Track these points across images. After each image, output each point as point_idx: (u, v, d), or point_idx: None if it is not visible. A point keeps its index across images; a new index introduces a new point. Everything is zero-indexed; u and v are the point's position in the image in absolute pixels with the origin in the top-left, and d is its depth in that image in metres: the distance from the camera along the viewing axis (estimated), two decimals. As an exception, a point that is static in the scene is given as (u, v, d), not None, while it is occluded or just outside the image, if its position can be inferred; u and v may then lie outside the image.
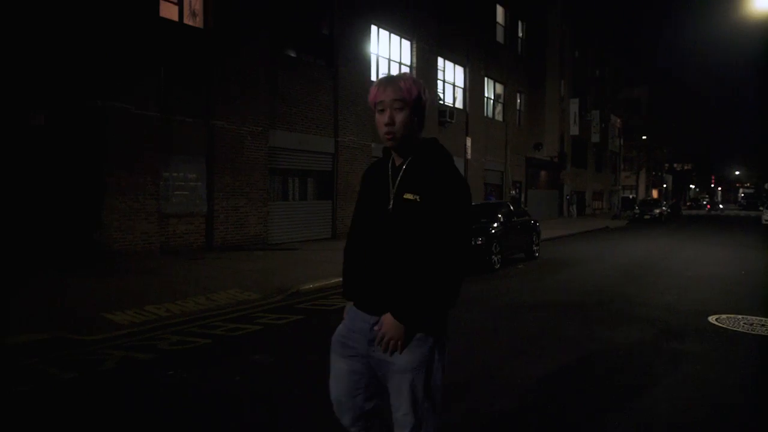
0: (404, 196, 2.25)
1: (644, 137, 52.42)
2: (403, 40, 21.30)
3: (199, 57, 13.40)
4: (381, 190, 2.34)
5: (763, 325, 6.82)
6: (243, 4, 14.36)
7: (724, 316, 7.30)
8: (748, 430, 3.91)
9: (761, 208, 43.09)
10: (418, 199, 2.21)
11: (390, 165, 2.37)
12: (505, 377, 4.87)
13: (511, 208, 13.73)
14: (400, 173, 2.30)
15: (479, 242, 11.28)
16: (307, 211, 16.96)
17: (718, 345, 5.94)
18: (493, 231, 11.78)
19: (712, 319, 7.14)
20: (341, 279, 2.53)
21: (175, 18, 13.22)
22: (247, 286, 9.23)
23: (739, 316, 7.28)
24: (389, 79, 2.29)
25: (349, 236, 2.52)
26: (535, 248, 13.97)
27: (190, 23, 13.60)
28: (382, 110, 2.28)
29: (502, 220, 12.49)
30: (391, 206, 2.28)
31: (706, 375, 4.94)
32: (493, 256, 11.53)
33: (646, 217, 34.59)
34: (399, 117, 2.25)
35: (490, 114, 28.69)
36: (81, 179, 11.44)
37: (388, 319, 2.19)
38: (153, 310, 7.44)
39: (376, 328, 2.25)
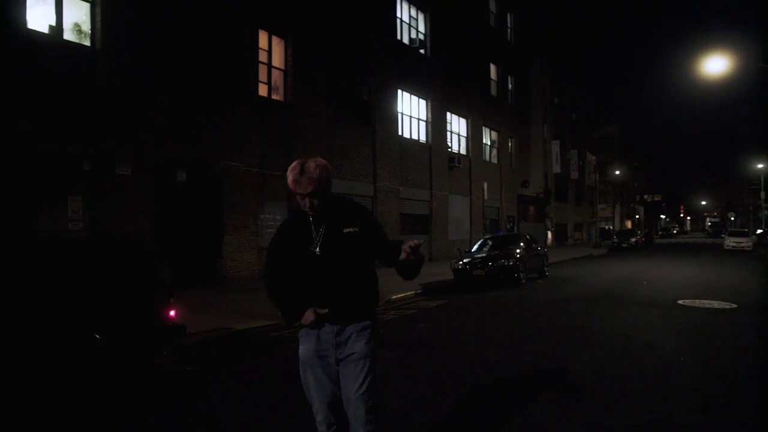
0: (345, 230, 2.84)
1: (617, 172, 57.55)
2: (420, 99, 25.56)
3: (281, 123, 17.29)
4: (306, 239, 2.87)
5: (710, 304, 10.87)
6: (308, 81, 18.41)
7: (687, 300, 11.43)
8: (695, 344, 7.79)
9: (723, 236, 48.09)
10: (357, 229, 2.86)
11: (312, 218, 2.88)
12: (569, 327, 8.73)
13: (528, 237, 17.70)
14: (327, 218, 2.86)
15: (510, 263, 15.15)
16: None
17: (683, 311, 9.96)
18: (518, 255, 15.68)
19: (679, 301, 11.27)
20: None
21: (266, 94, 17.17)
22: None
23: (696, 300, 11.39)
24: (301, 171, 2.74)
25: (277, 276, 2.96)
26: (546, 269, 17.91)
27: (275, 97, 17.55)
28: (302, 198, 2.79)
29: (524, 246, 16.43)
30: (318, 249, 2.82)
31: (676, 320, 8.88)
32: (521, 274, 15.39)
33: (624, 245, 38.82)
34: (316, 198, 2.78)
35: (487, 158, 33.02)
36: (209, 221, 15.11)
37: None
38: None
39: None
